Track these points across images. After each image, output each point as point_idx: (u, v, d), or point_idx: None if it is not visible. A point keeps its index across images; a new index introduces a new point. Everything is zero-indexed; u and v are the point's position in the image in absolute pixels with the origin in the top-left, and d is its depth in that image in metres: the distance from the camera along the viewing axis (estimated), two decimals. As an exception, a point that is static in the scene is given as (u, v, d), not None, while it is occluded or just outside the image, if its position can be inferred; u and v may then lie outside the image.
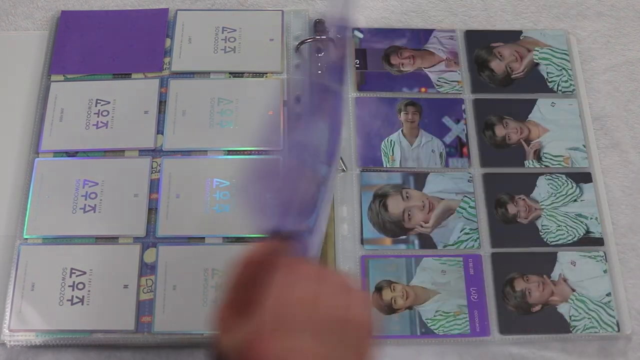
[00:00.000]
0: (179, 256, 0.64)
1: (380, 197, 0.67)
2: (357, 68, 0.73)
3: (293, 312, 0.36)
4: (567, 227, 0.67)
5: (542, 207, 0.68)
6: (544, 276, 0.65)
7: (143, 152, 0.68)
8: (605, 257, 0.66)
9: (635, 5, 0.81)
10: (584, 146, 0.71)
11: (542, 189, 0.68)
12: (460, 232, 0.66)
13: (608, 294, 0.64)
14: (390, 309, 0.63)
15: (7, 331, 0.61)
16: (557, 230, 0.67)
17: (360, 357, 0.37)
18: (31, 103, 0.71)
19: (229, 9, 0.78)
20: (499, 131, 0.71)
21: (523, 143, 0.70)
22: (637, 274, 0.67)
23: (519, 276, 0.65)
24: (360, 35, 0.75)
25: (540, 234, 0.67)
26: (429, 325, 0.62)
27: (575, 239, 0.66)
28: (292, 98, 0.71)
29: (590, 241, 0.66)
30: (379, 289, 0.64)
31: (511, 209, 0.67)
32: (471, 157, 0.70)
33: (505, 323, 0.63)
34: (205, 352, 0.43)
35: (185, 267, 0.63)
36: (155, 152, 0.68)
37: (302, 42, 0.73)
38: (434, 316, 0.63)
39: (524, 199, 0.68)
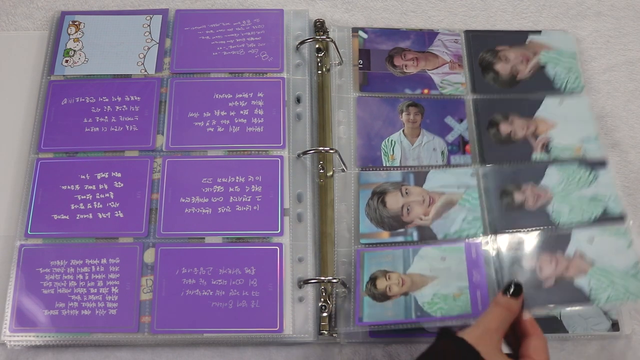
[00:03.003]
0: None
1: (379, 194, 0.67)
2: (360, 68, 0.73)
3: None
4: (583, 209, 0.65)
5: (553, 193, 0.66)
6: (557, 253, 0.63)
7: (143, 152, 0.68)
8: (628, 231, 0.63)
9: (635, 5, 0.81)
10: (597, 138, 0.70)
11: (552, 177, 0.67)
12: (462, 221, 0.65)
13: (636, 264, 0.62)
14: (384, 297, 0.62)
15: (7, 331, 0.61)
16: (570, 213, 0.65)
17: None
18: (31, 103, 0.71)
19: (229, 9, 0.78)
20: (504, 128, 0.71)
21: (530, 138, 0.69)
22: (637, 274, 0.67)
23: (528, 255, 0.63)
24: (365, 36, 0.75)
25: (551, 217, 0.65)
26: (424, 309, 0.61)
27: (592, 218, 0.65)
28: (292, 98, 0.71)
29: (609, 220, 0.65)
30: (373, 279, 0.63)
31: (518, 197, 0.67)
32: (473, 155, 0.70)
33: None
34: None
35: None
36: (155, 152, 0.68)
37: (302, 42, 0.73)
38: (432, 300, 0.61)
39: (532, 186, 0.67)
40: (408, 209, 0.66)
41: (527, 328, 0.54)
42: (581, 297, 0.61)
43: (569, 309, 0.62)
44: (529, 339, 0.53)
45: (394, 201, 0.67)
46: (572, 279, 0.62)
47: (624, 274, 0.62)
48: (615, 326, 0.63)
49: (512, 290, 0.54)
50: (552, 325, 0.63)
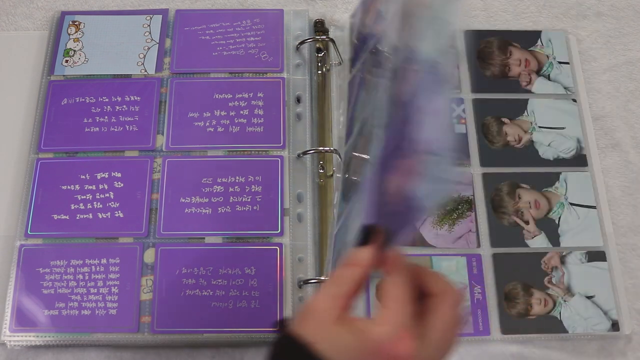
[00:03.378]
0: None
1: None
2: None
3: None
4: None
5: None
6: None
7: (143, 152, 0.68)
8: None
9: (635, 5, 0.81)
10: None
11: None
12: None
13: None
14: None
15: (7, 331, 0.61)
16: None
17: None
18: (31, 103, 0.71)
19: (229, 9, 0.78)
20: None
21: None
22: (637, 274, 0.67)
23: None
24: None
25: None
26: None
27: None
28: (292, 98, 0.71)
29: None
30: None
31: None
32: (471, 157, 0.70)
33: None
34: (272, 342, 0.41)
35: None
36: (155, 152, 0.68)
37: (302, 42, 0.73)
38: None
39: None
40: None
41: (389, 267, 0.42)
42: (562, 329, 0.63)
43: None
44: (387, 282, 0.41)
45: None
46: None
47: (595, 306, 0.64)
48: (615, 326, 0.63)
49: (360, 240, 0.43)
50: (552, 325, 0.63)
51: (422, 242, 0.66)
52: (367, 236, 0.42)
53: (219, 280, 0.62)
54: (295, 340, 0.39)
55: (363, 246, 0.42)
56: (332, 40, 0.73)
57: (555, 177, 0.69)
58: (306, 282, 0.63)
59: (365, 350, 0.38)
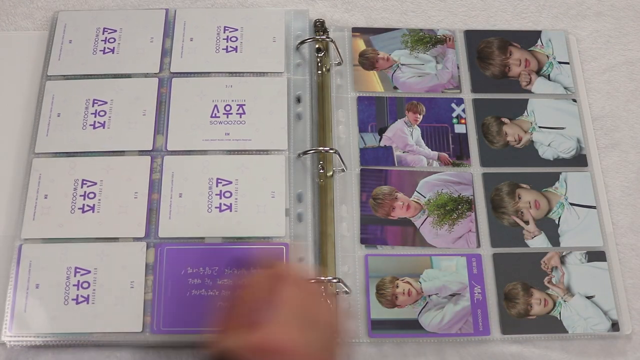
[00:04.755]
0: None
1: None
2: None
3: (296, 315, 0.48)
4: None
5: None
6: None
7: (143, 152, 0.68)
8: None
9: (635, 5, 0.81)
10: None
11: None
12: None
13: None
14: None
15: (7, 331, 0.61)
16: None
17: (331, 349, 0.49)
18: (31, 103, 0.71)
19: (230, 8, 0.78)
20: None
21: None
22: (637, 274, 0.67)
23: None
24: None
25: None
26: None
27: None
28: (292, 98, 0.71)
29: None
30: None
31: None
32: (471, 156, 0.70)
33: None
34: (201, 354, 0.48)
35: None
36: (155, 152, 0.68)
37: (302, 42, 0.73)
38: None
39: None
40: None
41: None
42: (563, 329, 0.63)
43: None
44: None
45: None
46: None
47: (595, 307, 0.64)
48: (615, 326, 0.63)
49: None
50: (552, 325, 0.63)
51: (422, 242, 0.66)
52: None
53: (225, 280, 0.62)
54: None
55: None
56: (332, 40, 0.73)
57: (555, 177, 0.69)
58: (306, 282, 0.63)
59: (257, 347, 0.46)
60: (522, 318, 0.63)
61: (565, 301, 0.64)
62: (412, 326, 0.62)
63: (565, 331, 0.63)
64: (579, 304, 0.64)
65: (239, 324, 0.48)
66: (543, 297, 0.64)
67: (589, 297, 0.64)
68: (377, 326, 0.62)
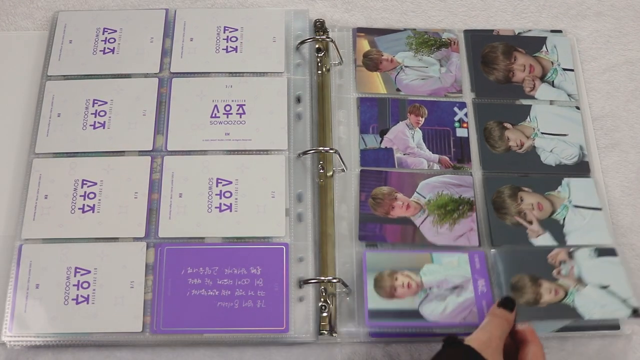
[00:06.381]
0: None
1: None
2: None
3: None
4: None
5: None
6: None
7: (143, 152, 0.68)
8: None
9: (635, 5, 0.81)
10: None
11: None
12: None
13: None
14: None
15: (7, 331, 0.61)
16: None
17: None
18: (31, 103, 0.71)
19: (230, 8, 0.78)
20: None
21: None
22: (637, 274, 0.67)
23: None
24: None
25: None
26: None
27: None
28: (292, 98, 0.71)
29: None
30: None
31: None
32: (472, 160, 0.70)
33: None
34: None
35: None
36: (155, 152, 0.68)
37: (302, 42, 0.73)
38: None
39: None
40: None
41: (526, 336, 0.58)
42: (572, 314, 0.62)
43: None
44: (527, 346, 0.57)
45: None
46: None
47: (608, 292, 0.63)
48: (636, 312, 0.61)
49: (507, 304, 0.59)
50: (566, 312, 0.61)
51: (422, 240, 0.66)
52: (512, 305, 0.59)
53: (225, 280, 0.62)
54: (477, 355, 0.52)
55: (509, 311, 0.58)
56: (332, 40, 0.73)
57: (558, 182, 0.69)
58: (306, 282, 0.63)
59: None
60: (532, 307, 0.62)
61: (577, 290, 0.62)
62: (411, 316, 0.61)
63: (581, 317, 0.61)
64: (594, 292, 0.62)
65: None
66: (553, 287, 0.62)
67: (603, 287, 0.63)
68: (375, 315, 0.61)
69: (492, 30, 0.77)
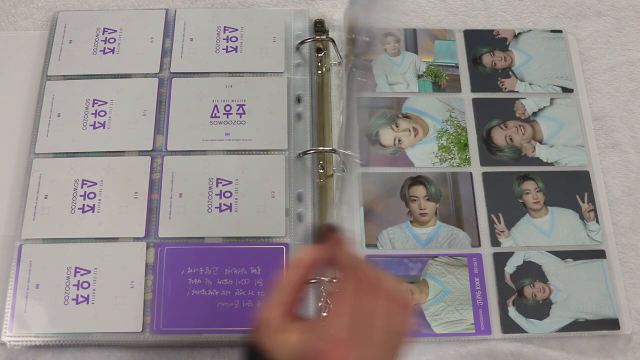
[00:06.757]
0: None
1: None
2: None
3: (364, 325, 0.41)
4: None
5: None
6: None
7: (143, 152, 0.68)
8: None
9: (635, 5, 0.81)
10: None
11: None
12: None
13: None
14: None
15: (7, 331, 0.61)
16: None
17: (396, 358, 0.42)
18: (31, 103, 0.71)
19: (229, 8, 0.78)
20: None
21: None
22: (637, 274, 0.67)
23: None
24: None
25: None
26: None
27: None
28: (292, 98, 0.71)
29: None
30: None
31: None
32: (471, 157, 0.70)
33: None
34: (241, 348, 0.45)
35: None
36: (155, 152, 0.68)
37: (302, 42, 0.73)
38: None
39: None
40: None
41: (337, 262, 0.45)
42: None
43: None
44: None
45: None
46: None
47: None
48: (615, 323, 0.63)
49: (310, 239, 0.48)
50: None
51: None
52: (320, 235, 0.46)
53: (225, 280, 0.62)
54: (259, 348, 0.42)
55: (314, 245, 0.45)
56: (332, 40, 0.73)
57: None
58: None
59: (308, 355, 0.41)
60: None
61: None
62: None
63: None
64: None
65: (308, 327, 0.42)
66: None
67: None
68: None
69: (492, 30, 0.77)
